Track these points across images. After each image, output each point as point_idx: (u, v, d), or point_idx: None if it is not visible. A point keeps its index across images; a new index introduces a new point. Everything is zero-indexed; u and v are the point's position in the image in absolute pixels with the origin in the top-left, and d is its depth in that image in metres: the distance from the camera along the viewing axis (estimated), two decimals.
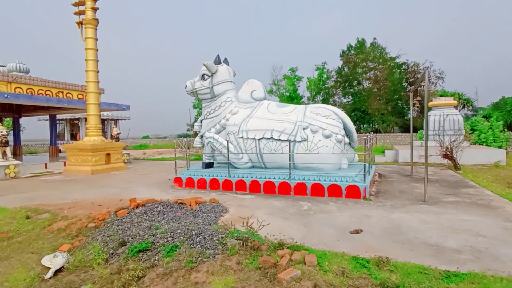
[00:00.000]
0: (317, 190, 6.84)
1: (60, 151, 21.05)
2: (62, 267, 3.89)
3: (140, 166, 14.42)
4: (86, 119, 28.82)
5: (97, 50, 12.88)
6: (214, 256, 3.81)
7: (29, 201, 7.15)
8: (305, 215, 5.43)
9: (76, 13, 12.90)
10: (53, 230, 5.07)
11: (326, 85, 30.20)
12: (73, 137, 31.06)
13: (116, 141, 15.50)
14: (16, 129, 20.68)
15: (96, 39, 12.84)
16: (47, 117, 22.71)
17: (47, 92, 14.58)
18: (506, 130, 15.74)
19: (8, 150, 11.28)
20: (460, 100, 22.99)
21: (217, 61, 8.98)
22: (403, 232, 4.31)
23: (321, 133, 7.25)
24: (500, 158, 11.33)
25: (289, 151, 7.23)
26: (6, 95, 12.08)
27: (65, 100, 14.92)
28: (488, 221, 4.73)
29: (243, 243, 3.96)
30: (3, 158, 11.04)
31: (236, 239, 4.03)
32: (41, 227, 5.23)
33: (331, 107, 8.08)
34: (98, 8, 12.83)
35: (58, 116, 26.17)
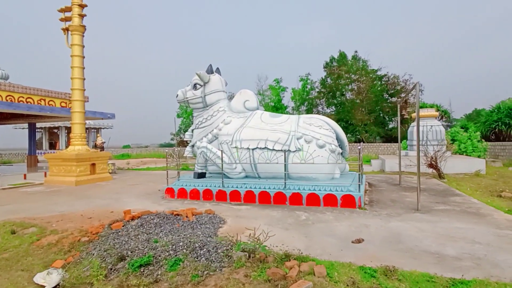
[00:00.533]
0: (313, 200, 6.91)
1: (38, 161, 20.16)
2: (58, 284, 3.71)
3: (126, 177, 14.05)
4: (66, 128, 28.06)
5: (84, 57, 12.60)
6: (221, 269, 3.75)
7: (12, 214, 6.78)
8: (304, 225, 5.46)
9: (62, 19, 12.61)
10: (43, 245, 4.83)
11: (310, 96, 30.80)
12: (52, 146, 29.93)
13: (101, 150, 15.08)
14: None
15: (83, 46, 12.57)
16: (25, 125, 21.78)
17: (28, 100, 14.05)
18: (483, 140, 16.57)
19: None
20: (438, 112, 24.02)
21: (210, 71, 9.01)
22: (402, 241, 4.42)
23: (315, 143, 7.37)
24: (480, 167, 11.89)
25: (284, 161, 7.29)
26: None
27: (48, 108, 14.42)
28: (481, 228, 4.94)
29: (249, 255, 3.93)
30: None
31: (242, 251, 3.99)
32: (29, 242, 4.97)
33: (323, 117, 8.25)
34: (85, 15, 12.61)
35: (36, 125, 25.16)
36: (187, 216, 5.95)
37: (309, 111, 30.02)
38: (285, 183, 7.27)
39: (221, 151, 7.99)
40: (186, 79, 9.05)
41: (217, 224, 5.66)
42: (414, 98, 24.72)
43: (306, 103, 30.81)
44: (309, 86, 30.88)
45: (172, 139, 39.79)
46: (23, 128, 29.00)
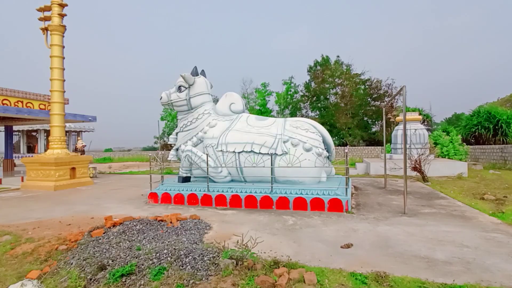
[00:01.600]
0: (300, 204, 6.84)
1: (15, 165, 19.28)
2: None
3: (108, 181, 13.61)
4: (45, 131, 27.04)
5: (64, 58, 12.15)
6: (207, 278, 3.60)
7: None
8: (292, 230, 5.36)
9: (41, 19, 12.12)
10: (18, 255, 4.53)
11: (293, 99, 31.00)
12: (30, 149, 28.77)
13: (82, 154, 14.56)
14: None
15: (63, 47, 12.12)
16: (1, 128, 20.85)
17: (4, 102, 13.42)
18: (464, 143, 17.06)
19: None
20: (420, 115, 24.64)
21: (195, 73, 8.83)
22: (391, 245, 4.39)
23: (301, 147, 7.31)
24: (462, 170, 12.20)
25: (271, 165, 7.20)
26: None
27: (25, 110, 13.81)
28: (467, 231, 4.99)
29: (237, 263, 3.79)
30: None
31: (229, 259, 3.84)
32: (3, 251, 4.65)
33: (310, 120, 8.22)
34: (65, 15, 12.17)
35: (14, 127, 24.12)
36: (171, 222, 5.74)
37: (293, 114, 30.22)
38: (271, 187, 7.18)
39: (206, 154, 7.82)
40: (170, 81, 8.86)
41: (203, 230, 5.48)
42: (398, 101, 25.31)
43: (290, 106, 31.01)
44: (292, 90, 31.12)
45: (155, 143, 39.09)
46: None
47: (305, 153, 7.23)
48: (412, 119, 14.25)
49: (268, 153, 7.35)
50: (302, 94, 31.14)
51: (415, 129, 13.68)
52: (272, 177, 7.21)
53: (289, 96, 30.69)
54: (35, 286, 3.56)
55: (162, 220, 5.83)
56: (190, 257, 4.04)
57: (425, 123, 25.07)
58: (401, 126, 14.59)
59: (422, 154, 10.83)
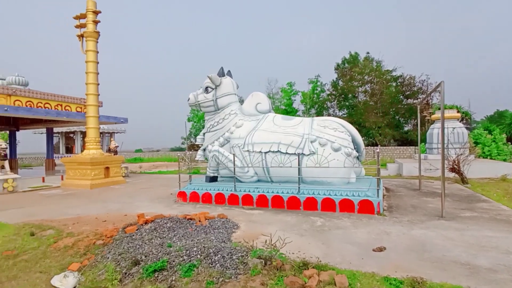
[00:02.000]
0: (328, 205, 6.69)
1: (56, 165, 20.59)
2: (74, 287, 3.65)
3: (138, 180, 14.13)
4: (81, 133, 28.66)
5: (98, 62, 12.79)
6: (237, 277, 3.61)
7: (31, 216, 6.86)
8: (320, 232, 5.26)
9: (77, 26, 12.87)
10: (60, 248, 4.81)
11: (320, 98, 30.36)
12: (69, 150, 30.60)
13: (114, 154, 15.22)
14: (12, 142, 20.24)
15: (97, 52, 12.77)
16: (43, 130, 22.33)
17: (46, 105, 14.37)
18: (508, 143, 15.86)
19: (7, 164, 10.98)
20: (459, 113, 23.24)
21: (221, 74, 8.93)
22: (428, 250, 4.16)
23: (330, 146, 7.15)
24: (506, 171, 11.33)
25: (298, 165, 7.11)
26: (6, 108, 11.84)
27: (64, 113, 14.70)
28: None
29: (265, 263, 3.77)
30: (1, 172, 10.70)
31: (258, 258, 3.83)
32: (47, 244, 4.97)
33: (338, 119, 8.02)
34: (99, 21, 12.82)
35: (54, 130, 25.80)
36: (200, 220, 5.84)
37: (319, 114, 29.55)
38: (299, 187, 7.08)
39: (233, 154, 7.88)
40: (196, 83, 9.04)
41: (230, 229, 5.52)
42: (434, 99, 24.09)
43: (316, 106, 30.37)
44: (319, 89, 30.42)
45: (182, 143, 40.08)
46: (41, 133, 29.80)
47: (334, 153, 7.06)
48: (450, 117, 13.47)
49: (295, 153, 7.26)
50: (329, 92, 30.42)
51: (453, 128, 12.91)
52: (299, 177, 7.12)
53: (315, 95, 30.05)
54: (76, 278, 3.76)
55: (191, 219, 5.94)
56: (219, 255, 4.07)
57: (464, 121, 23.60)
58: (437, 125, 13.84)
59: (461, 154, 10.18)
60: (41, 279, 3.87)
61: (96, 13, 12.70)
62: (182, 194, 8.37)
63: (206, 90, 8.80)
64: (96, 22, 12.68)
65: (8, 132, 20.55)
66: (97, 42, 12.77)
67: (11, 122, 19.09)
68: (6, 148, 11.13)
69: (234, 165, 7.79)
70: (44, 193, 10.58)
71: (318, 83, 30.40)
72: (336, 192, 6.75)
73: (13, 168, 17.97)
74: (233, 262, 3.90)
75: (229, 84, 8.90)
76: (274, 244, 3.93)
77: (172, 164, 25.79)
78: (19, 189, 10.92)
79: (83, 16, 12.70)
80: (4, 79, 17.00)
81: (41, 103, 14.12)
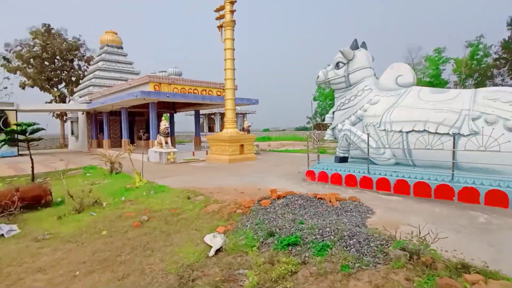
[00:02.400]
0: (497, 198, 5.29)
1: (201, 141, 24.44)
2: (221, 247, 4.15)
3: (268, 157, 15.07)
4: (220, 114, 32.79)
5: (234, 49, 14.00)
6: (375, 266, 3.29)
7: (186, 183, 8.29)
8: (485, 231, 4.22)
9: (217, 18, 14.35)
10: (208, 212, 5.60)
11: (482, 65, 24.12)
12: (210, 129, 35.74)
13: (247, 133, 16.70)
14: (171, 122, 25.16)
15: (233, 39, 13.95)
16: (192, 112, 26.70)
17: (194, 91, 16.97)
18: None
19: (170, 140, 13.69)
20: None
21: (354, 46, 8.20)
22: None
23: (502, 125, 5.57)
24: None
25: (453, 147, 5.86)
26: (167, 95, 14.67)
27: (208, 97, 17.04)
28: None
29: (410, 256, 3.28)
30: (166, 146, 13.47)
31: (401, 250, 3.38)
32: (199, 207, 5.87)
33: None
34: (235, 11, 13.88)
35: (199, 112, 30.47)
36: (330, 201, 5.66)
37: (480, 84, 23.59)
38: (452, 174, 5.87)
39: (367, 134, 7.21)
40: (325, 60, 8.59)
41: (364, 213, 5.13)
42: None
43: (475, 75, 24.40)
44: (481, 53, 24.16)
45: (308, 123, 40.34)
46: (191, 115, 35.91)
47: (508, 133, 5.47)
48: None
49: (448, 133, 6.02)
50: (497, 56, 23.81)
51: None
52: (453, 163, 5.89)
53: (475, 62, 24.12)
54: (223, 239, 4.26)
55: (321, 198, 5.84)
56: (355, 239, 3.81)
57: None
58: None
59: None
60: (197, 236, 4.58)
61: (232, 3, 13.79)
62: (310, 173, 8.37)
63: (337, 65, 8.31)
64: (232, 12, 13.81)
65: (168, 114, 25.52)
66: (233, 30, 13.95)
67: (171, 106, 23.60)
68: (169, 127, 13.84)
69: (368, 146, 7.16)
70: (194, 165, 12.68)
71: (480, 46, 24.20)
72: (510, 183, 5.26)
73: (172, 144, 22.49)
74: (371, 250, 3.57)
75: (363, 57, 8.11)
76: (423, 238, 3.35)
77: (298, 143, 26.41)
78: (177, 160, 13.49)
79: (221, 8, 14.04)
80: (166, 72, 21.06)
81: (191, 89, 16.77)
